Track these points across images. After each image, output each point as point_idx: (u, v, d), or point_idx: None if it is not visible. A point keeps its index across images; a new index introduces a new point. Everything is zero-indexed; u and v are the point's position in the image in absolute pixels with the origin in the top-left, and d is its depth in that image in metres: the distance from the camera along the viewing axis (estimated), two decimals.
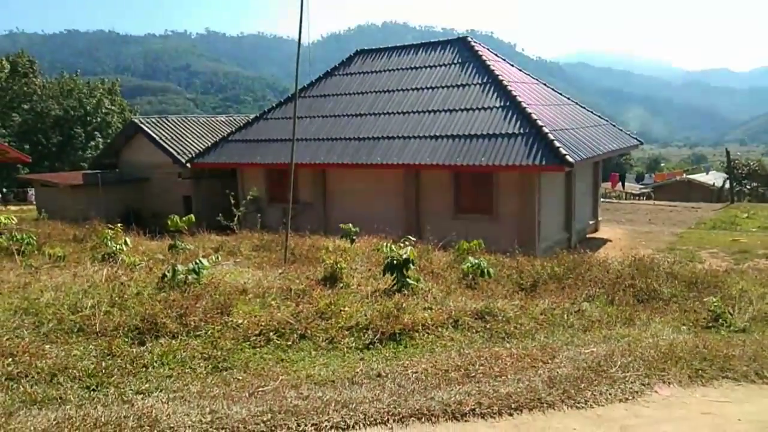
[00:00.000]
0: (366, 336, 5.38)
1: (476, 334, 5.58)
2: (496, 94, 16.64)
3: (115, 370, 4.57)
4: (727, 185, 32.81)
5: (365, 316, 5.70)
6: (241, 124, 21.53)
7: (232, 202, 12.36)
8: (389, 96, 18.77)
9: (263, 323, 5.50)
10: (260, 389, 4.28)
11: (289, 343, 5.26)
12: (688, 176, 45.58)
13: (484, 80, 17.36)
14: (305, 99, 19.93)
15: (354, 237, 10.05)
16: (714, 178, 42.59)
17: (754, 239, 17.79)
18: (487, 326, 5.71)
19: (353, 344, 5.27)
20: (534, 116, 15.20)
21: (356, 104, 19.06)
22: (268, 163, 18.58)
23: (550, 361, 4.69)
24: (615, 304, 6.79)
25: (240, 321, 5.54)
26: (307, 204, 18.48)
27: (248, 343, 5.24)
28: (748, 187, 38.40)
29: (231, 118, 27.50)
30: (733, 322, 5.93)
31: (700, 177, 45.78)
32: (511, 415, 3.79)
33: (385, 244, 7.13)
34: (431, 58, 19.68)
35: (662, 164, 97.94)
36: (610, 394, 4.07)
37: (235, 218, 12.03)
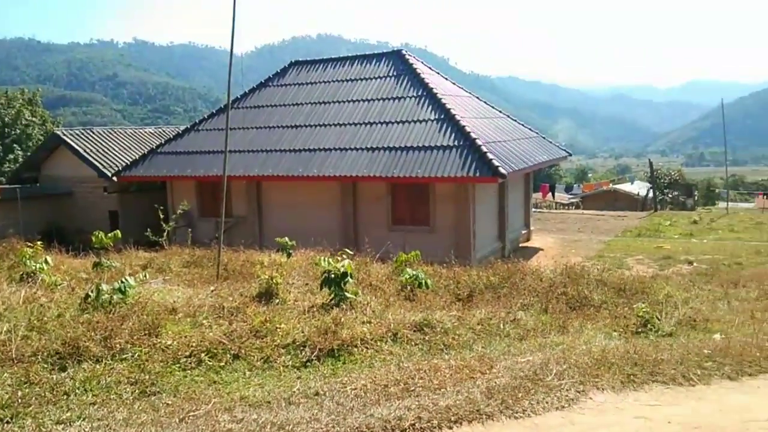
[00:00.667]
0: (303, 353, 5.24)
1: (415, 347, 5.54)
2: (431, 107, 16.86)
3: (33, 398, 4.23)
4: (651, 194, 34.53)
5: (302, 332, 5.56)
6: (171, 136, 20.90)
7: (161, 216, 11.91)
8: (325, 107, 18.69)
9: (194, 344, 5.25)
10: (191, 414, 4.07)
11: (222, 363, 5.04)
12: (614, 186, 47.64)
13: (419, 93, 17.58)
14: (239, 110, 19.56)
15: (290, 251, 9.85)
16: (638, 187, 44.73)
17: (677, 245, 18.75)
18: (426, 338, 5.69)
19: (290, 362, 5.12)
20: (468, 129, 15.49)
21: (291, 115, 18.86)
22: (200, 175, 18.07)
23: (488, 372, 4.70)
24: (549, 312, 6.93)
25: (169, 342, 5.27)
26: (240, 217, 18.07)
27: (178, 365, 4.99)
28: (669, 195, 40.57)
29: (160, 129, 26.64)
30: (661, 327, 6.17)
31: (625, 187, 47.96)
32: (450, 428, 3.76)
33: (322, 257, 7.00)
34: (367, 70, 19.76)
35: (590, 175, 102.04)
36: (546, 403, 4.10)
37: (165, 233, 11.58)
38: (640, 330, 6.21)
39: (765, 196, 56.37)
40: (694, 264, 15.36)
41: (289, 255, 9.69)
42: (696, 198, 53.95)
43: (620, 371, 4.61)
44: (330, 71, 20.54)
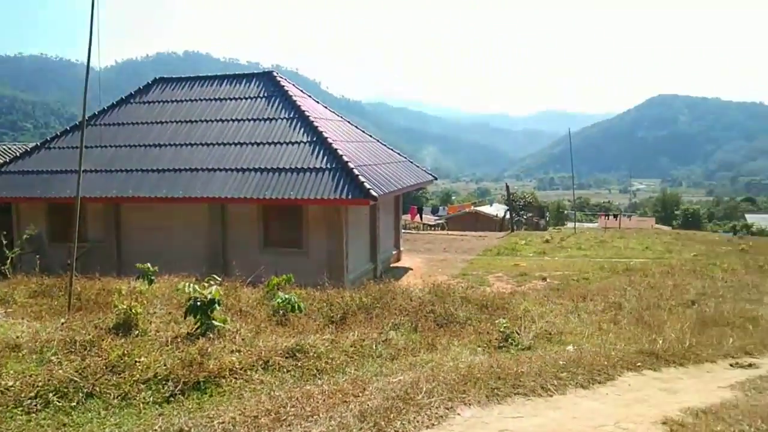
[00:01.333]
0: (166, 388, 4.90)
1: (287, 374, 5.41)
2: (303, 129, 16.82)
3: None
4: (508, 216, 36.96)
5: (164, 365, 5.20)
6: (18, 154, 18.93)
7: (3, 242, 10.69)
8: (192, 126, 17.96)
9: (40, 383, 4.73)
10: None
11: (74, 403, 4.58)
12: (475, 208, 50.46)
13: (291, 115, 17.48)
14: (96, 127, 18.20)
15: (152, 277, 9.25)
16: (497, 209, 47.76)
17: (532, 263, 20.14)
18: (299, 364, 5.58)
19: (151, 398, 4.76)
20: (340, 152, 15.64)
21: (155, 134, 17.90)
22: (51, 196, 16.51)
23: (360, 394, 4.70)
24: (419, 331, 7.11)
25: (11, 383, 4.70)
26: (97, 242, 16.73)
27: (21, 408, 4.46)
28: (524, 217, 43.69)
29: (5, 146, 24.07)
30: (520, 341, 6.57)
31: (486, 209, 51.00)
32: None
33: (187, 283, 6.64)
34: (237, 90, 19.32)
35: (453, 197, 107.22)
36: (417, 422, 4.17)
37: (8, 260, 10.40)
38: (501, 344, 6.56)
39: (607, 216, 62.73)
40: (548, 280, 16.54)
41: (150, 281, 9.10)
42: (548, 219, 58.68)
43: (485, 386, 4.82)
44: (198, 89, 19.82)
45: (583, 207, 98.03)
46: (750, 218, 69.20)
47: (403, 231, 24.58)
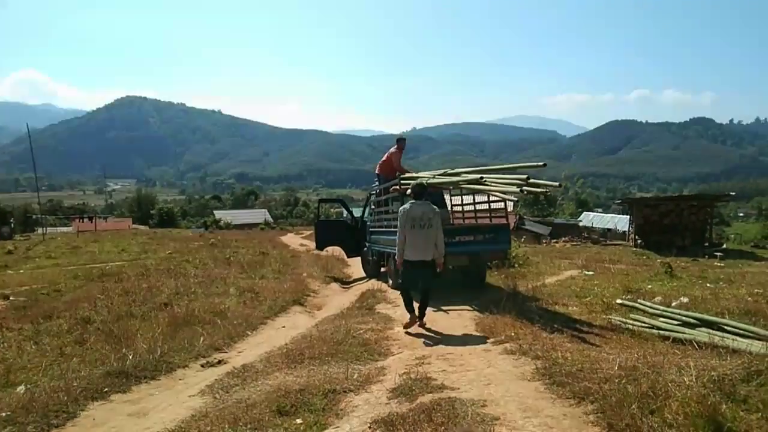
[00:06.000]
0: None
1: None
2: None
3: None
4: None
5: None
6: None
7: None
8: None
9: None
10: None
11: None
12: None
13: None
14: None
15: None
16: None
17: None
18: None
19: None
20: None
21: None
22: None
23: None
24: None
25: None
26: None
27: None
28: None
29: None
30: None
31: None
32: None
33: None
34: None
35: None
36: None
37: None
38: None
39: (81, 220, 59.29)
40: (11, 298, 14.08)
41: None
42: (12, 226, 51.29)
43: None
44: None
45: (56, 210, 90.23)
46: (218, 214, 77.63)
47: None
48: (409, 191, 8.19)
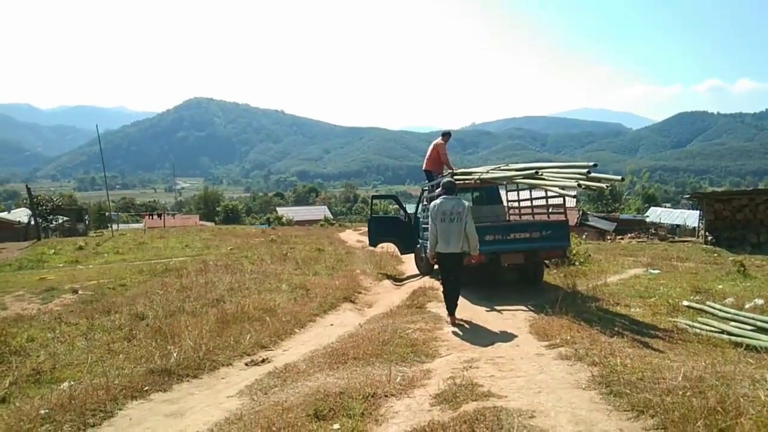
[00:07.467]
0: None
1: None
2: None
3: None
4: (33, 222, 32.05)
5: None
6: None
7: None
8: None
9: None
10: None
11: None
12: None
13: None
14: None
15: None
16: (20, 215, 41.01)
17: (62, 275, 17.56)
18: None
19: None
20: None
21: None
22: None
23: None
24: None
25: None
26: None
27: None
28: (54, 222, 38.75)
29: None
30: None
31: (5, 215, 43.34)
32: None
33: None
34: None
35: None
36: None
37: None
38: None
39: (151, 216, 61.69)
40: (80, 292, 14.66)
41: None
42: (87, 222, 53.97)
43: None
44: None
45: (129, 208, 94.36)
46: (280, 210, 79.18)
47: None
48: (439, 189, 8.39)
